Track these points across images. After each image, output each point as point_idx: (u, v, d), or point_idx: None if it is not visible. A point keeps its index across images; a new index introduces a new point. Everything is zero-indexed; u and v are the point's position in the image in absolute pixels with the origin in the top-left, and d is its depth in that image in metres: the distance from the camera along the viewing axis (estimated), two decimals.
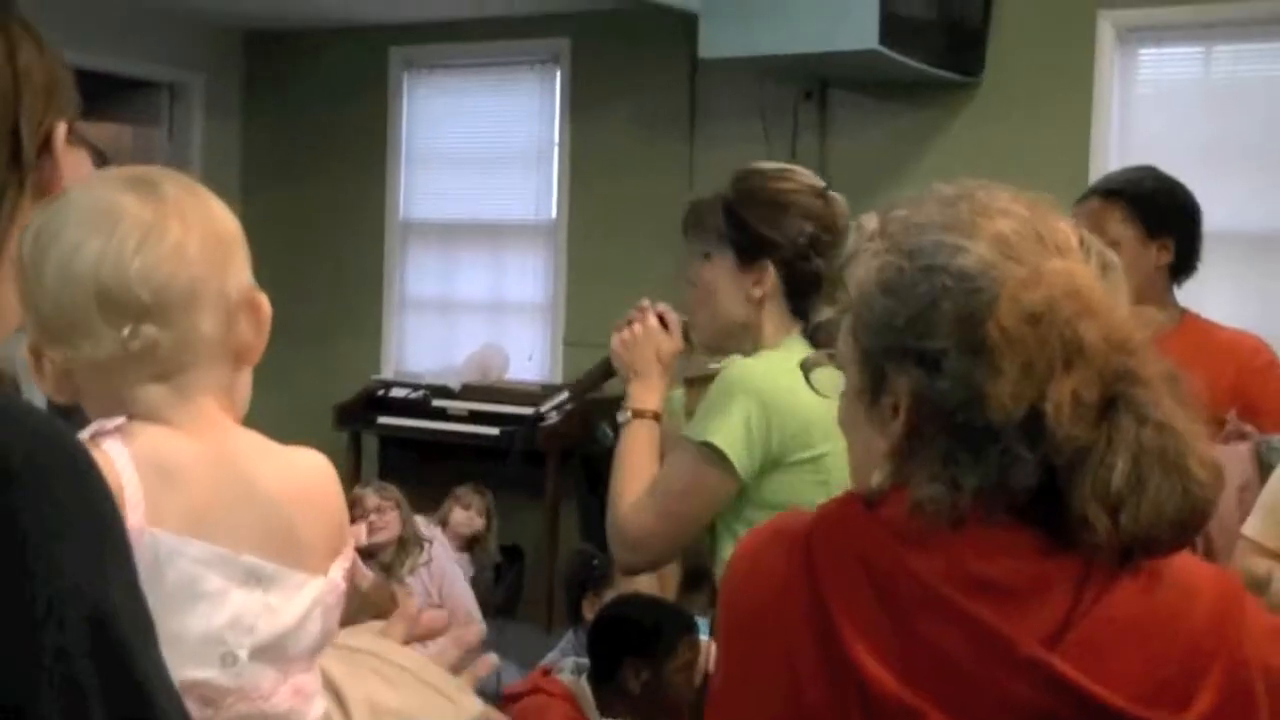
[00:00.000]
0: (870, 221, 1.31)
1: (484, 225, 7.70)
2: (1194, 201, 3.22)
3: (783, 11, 5.62)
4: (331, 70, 8.06)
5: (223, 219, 1.28)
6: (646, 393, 2.43)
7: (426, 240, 7.94)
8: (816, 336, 2.36)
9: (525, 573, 6.78)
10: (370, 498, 4.73)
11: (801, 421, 2.23)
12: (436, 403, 7.07)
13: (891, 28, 5.52)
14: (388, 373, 7.75)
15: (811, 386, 1.58)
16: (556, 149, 7.40)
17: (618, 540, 2.35)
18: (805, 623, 1.22)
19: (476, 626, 4.70)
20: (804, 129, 6.59)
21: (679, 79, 6.87)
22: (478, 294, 7.74)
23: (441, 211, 7.86)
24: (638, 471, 2.35)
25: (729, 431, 2.23)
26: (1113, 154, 5.82)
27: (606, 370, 2.52)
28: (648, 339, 2.44)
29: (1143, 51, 6.02)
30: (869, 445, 1.30)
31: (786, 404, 2.22)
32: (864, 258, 1.28)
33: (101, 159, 2.12)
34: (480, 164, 7.70)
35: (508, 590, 6.74)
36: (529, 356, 7.39)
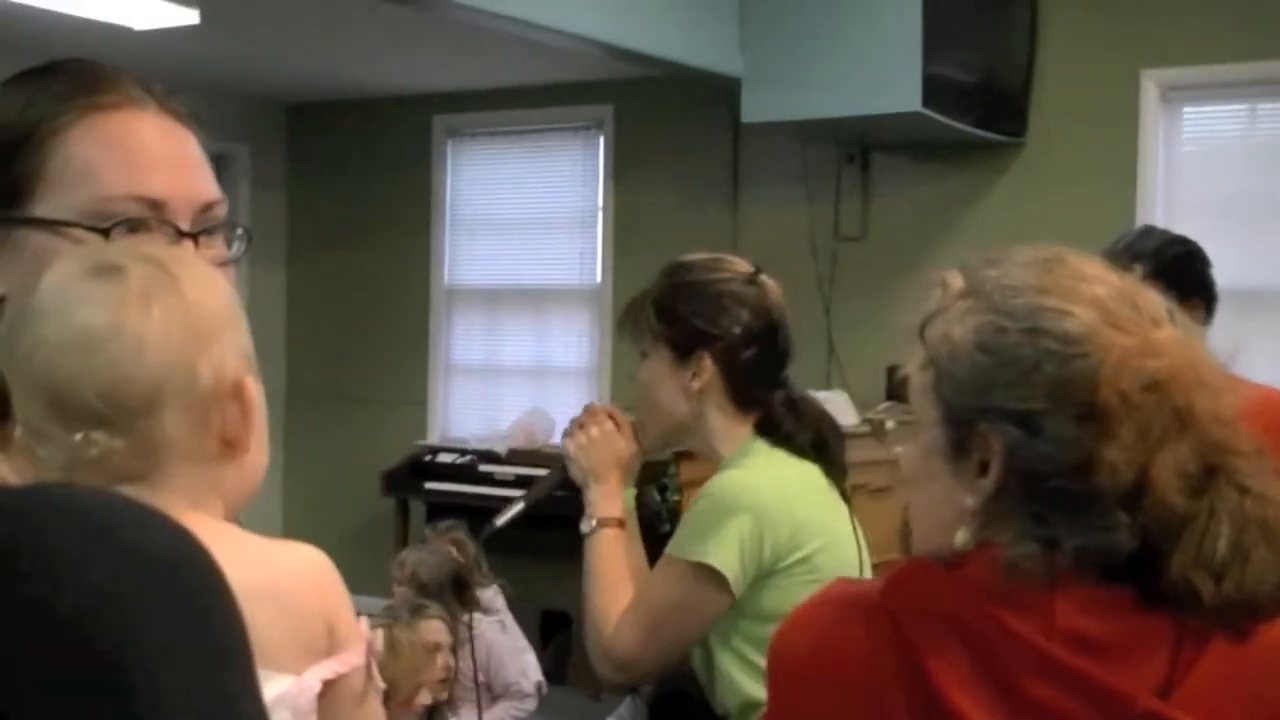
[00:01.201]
0: (955, 280, 1.31)
1: (528, 291, 7.73)
2: (1206, 256, 3.25)
3: (825, 75, 5.64)
4: (375, 139, 8.15)
5: (200, 302, 1.10)
6: (609, 499, 2.38)
7: (471, 306, 7.97)
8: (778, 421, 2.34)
9: (573, 638, 6.75)
10: (399, 561, 4.65)
11: (792, 527, 2.21)
12: (483, 468, 7.08)
13: (934, 90, 5.53)
14: (434, 438, 7.77)
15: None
16: (600, 214, 7.43)
17: (603, 659, 2.29)
18: (897, 691, 1.22)
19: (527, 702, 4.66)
20: (847, 192, 6.60)
21: (722, 143, 6.90)
22: (522, 359, 7.77)
23: (486, 277, 7.90)
24: (615, 585, 2.30)
25: (724, 551, 2.18)
26: (1158, 213, 5.79)
27: (562, 477, 2.46)
28: (605, 443, 2.40)
29: (1187, 110, 6.01)
30: (946, 502, 1.28)
31: (778, 513, 2.20)
32: (954, 315, 1.28)
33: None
34: (524, 229, 7.75)
35: (555, 656, 6.70)
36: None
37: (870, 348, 6.39)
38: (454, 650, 3.92)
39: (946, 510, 1.28)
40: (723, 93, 6.25)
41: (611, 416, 2.43)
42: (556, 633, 6.81)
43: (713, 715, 2.26)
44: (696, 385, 2.29)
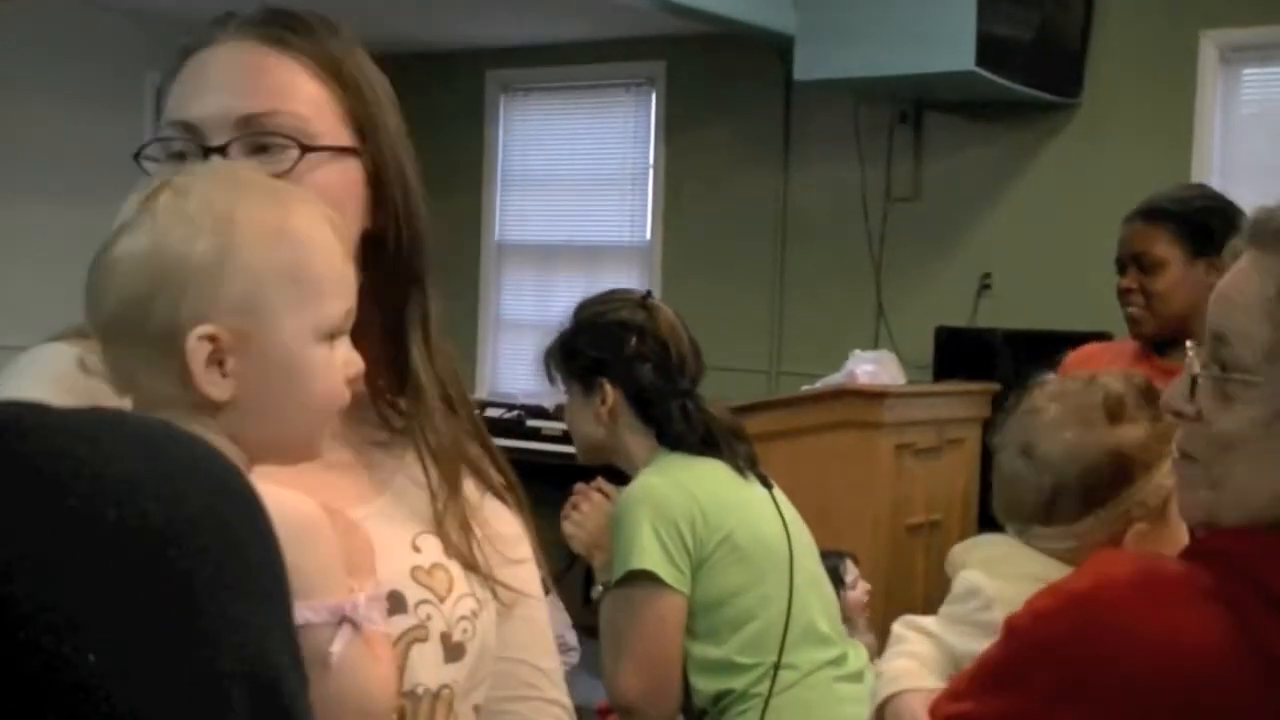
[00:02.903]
0: None
1: (579, 247, 7.74)
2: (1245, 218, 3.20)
3: (878, 34, 5.61)
4: (427, 93, 8.15)
5: (174, 241, 1.01)
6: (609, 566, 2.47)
7: (522, 262, 7.99)
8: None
9: None
10: None
11: (701, 511, 2.31)
12: (531, 423, 7.11)
13: (988, 49, 5.49)
14: (482, 393, 7.81)
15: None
16: (651, 171, 7.43)
17: (621, 710, 2.38)
18: (1268, 693, 1.11)
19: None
20: (899, 151, 6.56)
21: (774, 101, 6.87)
22: None
23: (537, 234, 7.91)
24: (619, 647, 2.39)
25: (644, 550, 2.28)
26: (1215, 175, 5.73)
27: (570, 559, 2.61)
28: (596, 512, 2.53)
29: (1246, 71, 5.94)
30: None
31: (682, 503, 2.31)
32: None
33: None
34: (575, 186, 7.75)
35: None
36: None
37: (919, 309, 6.37)
38: None
39: None
40: (775, 50, 6.23)
41: (600, 489, 2.58)
42: None
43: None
44: (604, 409, 2.47)
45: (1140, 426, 1.57)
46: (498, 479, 1.34)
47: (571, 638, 4.80)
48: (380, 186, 1.27)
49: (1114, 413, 1.58)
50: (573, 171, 7.76)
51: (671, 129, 7.33)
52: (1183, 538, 1.58)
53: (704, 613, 2.29)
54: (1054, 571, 1.52)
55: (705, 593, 2.29)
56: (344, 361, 1.09)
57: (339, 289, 1.08)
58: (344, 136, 1.25)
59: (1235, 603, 1.11)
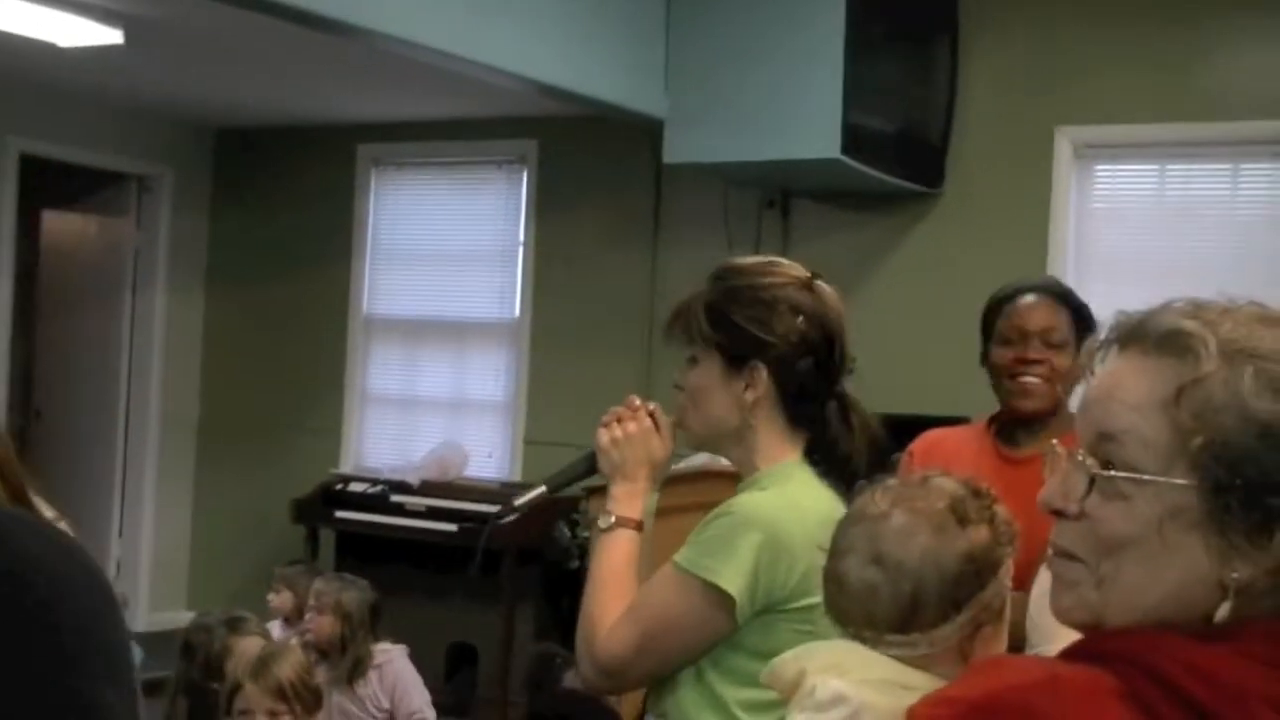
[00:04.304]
0: (1208, 339, 1.18)
1: (447, 323, 7.73)
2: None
3: (746, 120, 5.71)
4: (300, 167, 8.13)
5: None
6: (632, 499, 2.24)
7: (389, 337, 7.96)
8: (832, 454, 2.21)
9: (480, 673, 6.73)
10: (316, 591, 4.68)
11: (806, 568, 2.02)
12: (395, 498, 7.04)
13: (854, 139, 5.62)
14: (347, 468, 7.73)
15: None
16: (521, 249, 7.46)
17: (590, 661, 2.15)
18: None
19: None
20: (767, 236, 6.67)
21: (644, 183, 6.96)
22: (439, 391, 7.76)
23: (405, 308, 7.89)
24: (618, 589, 2.15)
25: (737, 575, 2.04)
26: (1069, 266, 5.91)
27: (590, 467, 2.30)
28: (641, 440, 2.26)
29: (1099, 168, 6.15)
30: (1195, 574, 1.16)
31: (798, 549, 2.04)
32: (1234, 383, 1.16)
33: None
34: (445, 262, 7.76)
35: (461, 690, 6.68)
36: (489, 454, 7.40)
37: None
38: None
39: (1196, 583, 1.16)
40: (646, 133, 6.31)
41: (652, 415, 2.30)
42: (462, 665, 6.79)
43: None
44: (750, 396, 2.17)
45: (984, 529, 1.57)
46: None
47: (431, 714, 4.76)
48: None
49: (961, 516, 1.56)
50: (443, 247, 7.77)
51: (543, 207, 7.38)
52: (1006, 640, 1.60)
53: (742, 655, 2.07)
54: (910, 677, 1.50)
55: (756, 641, 2.05)
56: None
57: None
58: None
59: (1146, 703, 1.10)
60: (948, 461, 2.81)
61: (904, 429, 4.11)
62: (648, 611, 2.11)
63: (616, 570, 2.18)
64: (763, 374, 2.16)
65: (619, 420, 2.30)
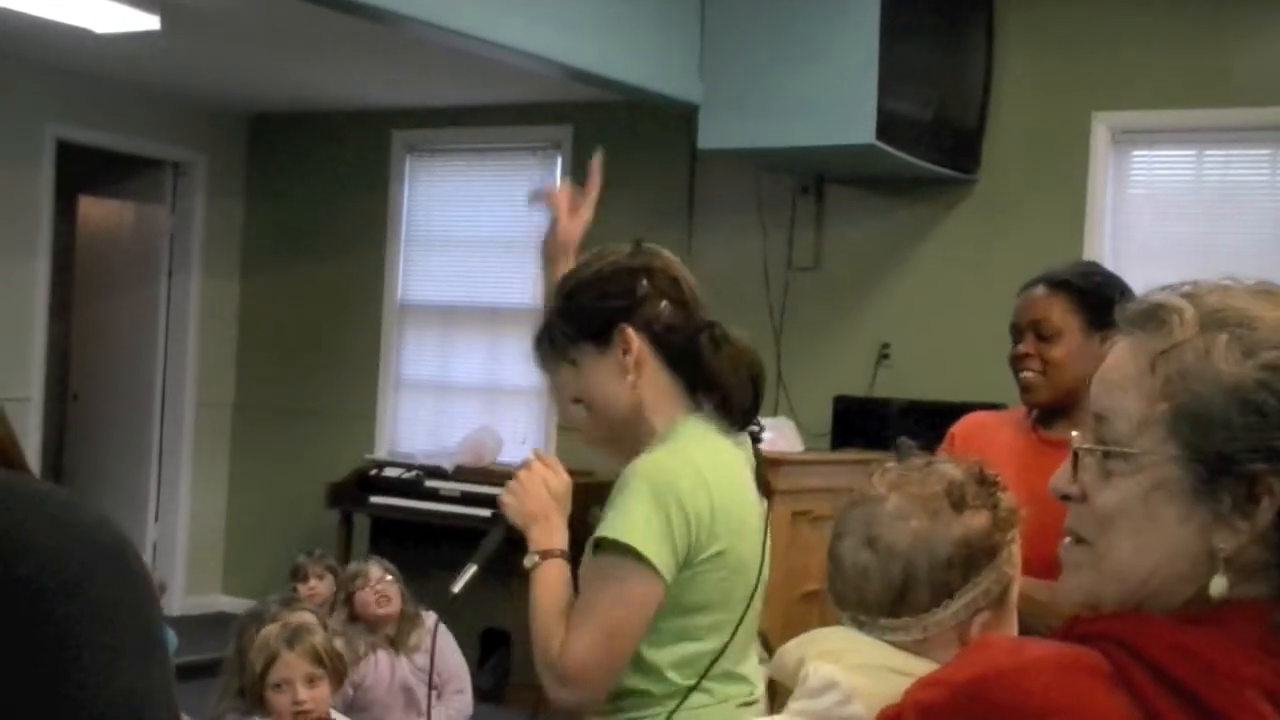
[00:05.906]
0: (1186, 309, 1.21)
1: (481, 309, 7.74)
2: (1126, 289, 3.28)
3: (781, 106, 5.70)
4: (334, 153, 8.15)
5: None
6: (549, 534, 2.31)
7: (424, 322, 7.98)
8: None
9: (512, 657, 6.76)
10: (374, 570, 4.72)
11: (710, 514, 2.13)
12: (429, 484, 7.07)
13: (888, 124, 5.60)
14: (381, 453, 7.76)
15: None
16: None
17: (553, 680, 2.19)
18: None
19: (465, 697, 4.71)
20: (801, 222, 6.66)
21: (678, 169, 6.95)
22: (473, 377, 7.78)
23: (439, 294, 7.91)
24: (561, 611, 2.21)
25: (646, 532, 2.10)
26: (1105, 253, 5.88)
27: (506, 527, 2.36)
28: (534, 481, 2.34)
29: (1136, 153, 6.11)
30: (1182, 548, 1.18)
31: (700, 500, 2.13)
32: (1208, 350, 1.18)
33: None
34: (479, 248, 7.77)
35: (494, 674, 6.71)
36: (523, 440, 7.40)
37: (818, 377, 6.44)
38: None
39: (1183, 555, 1.17)
40: (681, 119, 6.31)
41: (538, 459, 2.38)
42: (495, 649, 6.81)
43: None
44: (630, 358, 2.24)
45: (983, 515, 1.57)
46: None
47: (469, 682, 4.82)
48: None
49: (958, 501, 1.56)
50: (476, 233, 7.78)
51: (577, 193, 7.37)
52: (1015, 626, 1.60)
53: (680, 614, 2.14)
54: (904, 662, 1.50)
55: (673, 597, 2.13)
56: None
57: None
58: None
59: (1130, 682, 1.12)
60: (987, 444, 2.82)
61: (939, 414, 4.10)
62: (587, 605, 2.17)
63: (555, 592, 2.25)
64: (629, 332, 2.25)
65: (515, 478, 2.37)
